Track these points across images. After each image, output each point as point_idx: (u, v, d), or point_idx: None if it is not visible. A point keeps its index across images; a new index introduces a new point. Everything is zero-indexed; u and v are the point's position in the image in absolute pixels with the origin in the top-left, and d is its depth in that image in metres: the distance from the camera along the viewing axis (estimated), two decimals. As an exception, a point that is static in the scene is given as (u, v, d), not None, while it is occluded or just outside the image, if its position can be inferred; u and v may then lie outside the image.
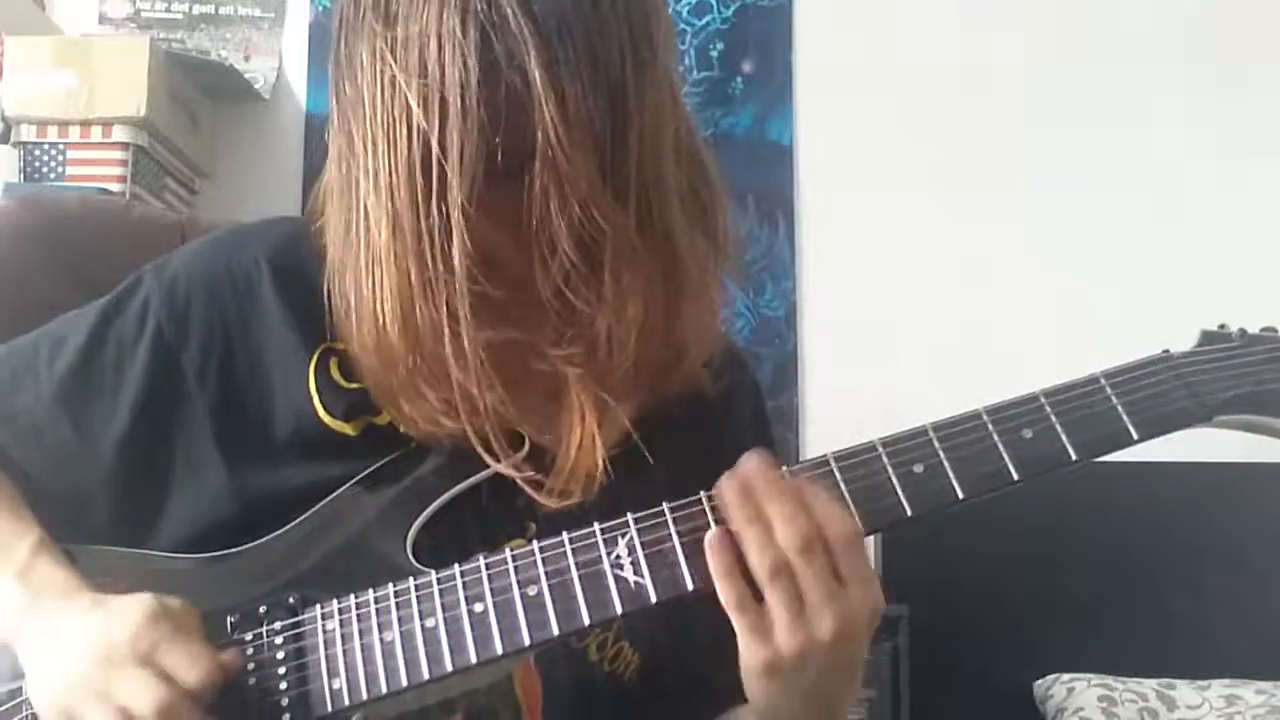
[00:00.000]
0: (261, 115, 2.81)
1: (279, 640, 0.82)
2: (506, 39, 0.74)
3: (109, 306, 0.93)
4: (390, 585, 0.81)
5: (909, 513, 0.78)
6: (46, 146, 2.36)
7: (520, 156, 0.76)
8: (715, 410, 0.96)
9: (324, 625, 0.82)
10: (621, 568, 0.78)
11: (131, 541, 0.90)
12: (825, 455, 0.80)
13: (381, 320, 0.80)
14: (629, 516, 0.79)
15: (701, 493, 0.80)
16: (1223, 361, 0.80)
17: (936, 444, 0.79)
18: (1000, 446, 0.78)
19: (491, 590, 0.79)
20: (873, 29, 2.85)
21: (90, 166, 2.35)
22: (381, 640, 0.80)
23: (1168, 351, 0.81)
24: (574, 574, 0.78)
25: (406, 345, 0.80)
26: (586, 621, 0.78)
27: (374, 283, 0.80)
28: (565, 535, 0.80)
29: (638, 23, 0.78)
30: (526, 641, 0.78)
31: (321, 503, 0.87)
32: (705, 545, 0.76)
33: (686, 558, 0.78)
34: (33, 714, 0.82)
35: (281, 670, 0.81)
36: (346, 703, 0.79)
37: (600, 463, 0.82)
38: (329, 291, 0.85)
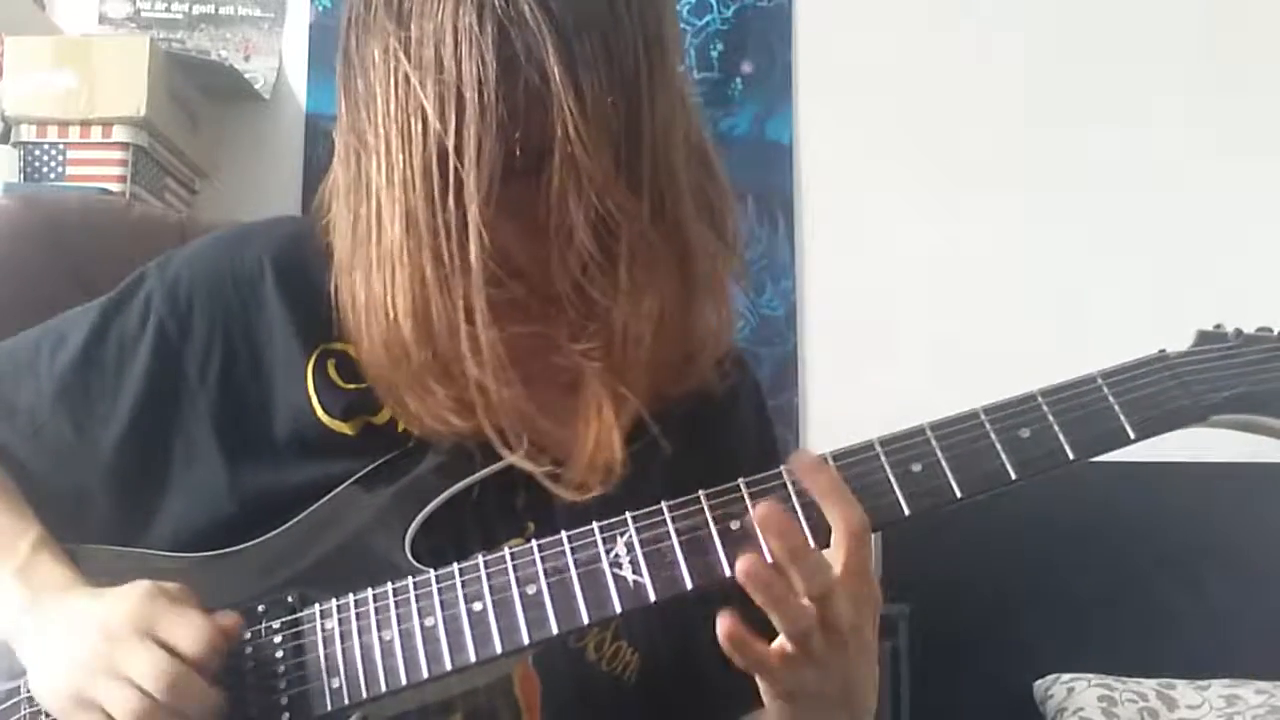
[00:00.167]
0: (261, 115, 2.81)
1: (278, 639, 0.82)
2: (525, 35, 0.75)
3: (111, 304, 0.93)
4: (389, 584, 0.81)
5: (906, 512, 0.78)
6: (46, 146, 2.36)
7: (538, 152, 0.76)
8: (718, 410, 0.96)
9: (323, 624, 0.82)
10: (620, 567, 0.78)
11: (126, 537, 0.90)
12: (824, 454, 0.80)
13: (393, 316, 0.80)
14: (627, 515, 0.80)
15: (700, 492, 0.80)
16: (1219, 361, 0.80)
17: (934, 443, 0.79)
18: (998, 446, 0.79)
19: (490, 589, 0.79)
20: (873, 29, 2.85)
21: (90, 166, 2.35)
22: (380, 639, 0.80)
23: (1164, 351, 0.81)
24: (573, 573, 0.78)
25: (419, 342, 0.80)
26: (585, 620, 0.78)
27: (385, 279, 0.80)
28: (564, 534, 0.80)
29: (651, 22, 0.79)
30: (525, 640, 0.78)
31: (320, 502, 0.87)
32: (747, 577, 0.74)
33: (685, 557, 0.78)
34: (32, 712, 0.82)
35: (280, 669, 0.81)
36: (346, 702, 0.79)
37: (618, 456, 0.83)
38: (335, 288, 0.86)
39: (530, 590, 0.78)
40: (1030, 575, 2.52)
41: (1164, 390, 0.79)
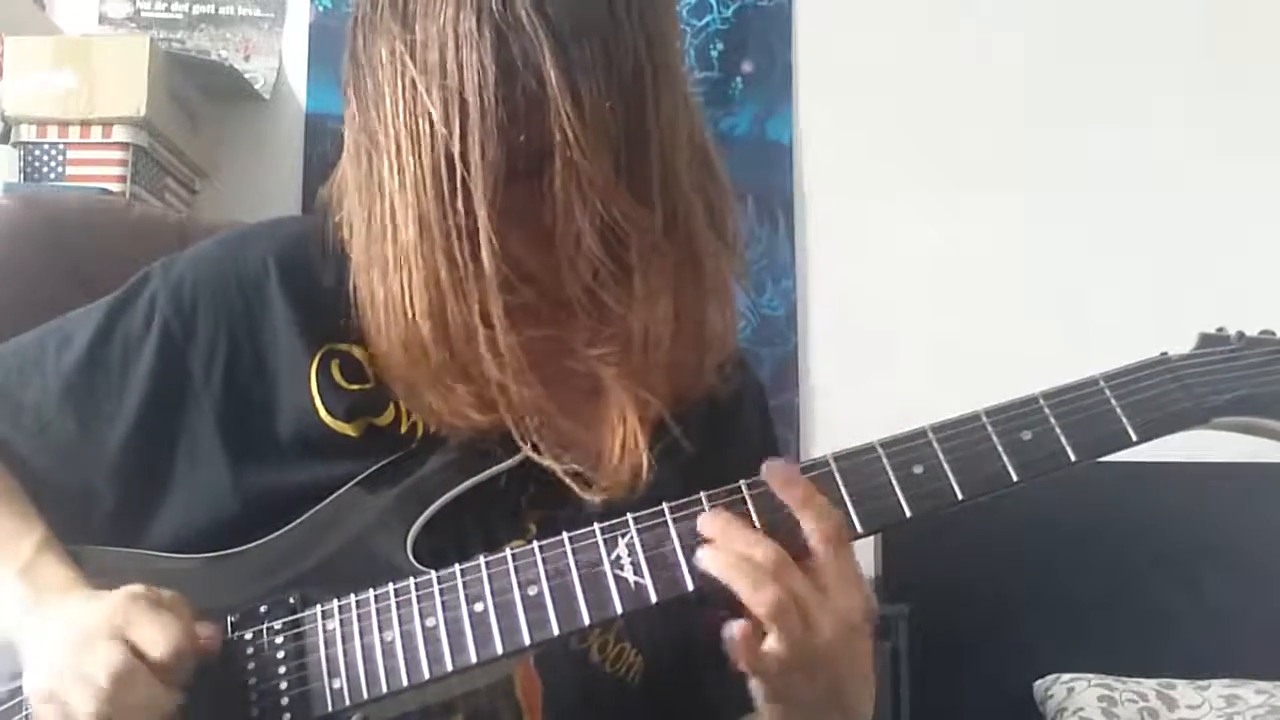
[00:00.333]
0: (261, 115, 2.81)
1: (279, 640, 0.82)
2: (521, 40, 0.75)
3: (116, 304, 0.93)
4: (390, 585, 0.81)
5: (908, 514, 0.79)
6: (46, 146, 2.36)
7: (540, 156, 0.76)
8: (724, 412, 0.96)
9: (324, 625, 0.82)
10: (622, 568, 0.78)
11: (129, 536, 0.90)
12: (825, 456, 0.80)
13: (411, 317, 0.81)
14: (629, 517, 0.80)
15: (701, 494, 0.80)
16: (1221, 364, 0.80)
17: (936, 445, 0.79)
18: (999, 448, 0.79)
19: (492, 590, 0.79)
20: (873, 29, 2.85)
21: (90, 166, 2.35)
22: (382, 640, 0.80)
23: (1166, 354, 0.81)
24: (574, 574, 0.78)
25: (438, 342, 0.81)
26: (586, 621, 0.78)
27: (403, 280, 0.81)
28: (565, 535, 0.80)
29: (652, 25, 0.79)
30: (526, 641, 0.78)
31: (322, 503, 0.87)
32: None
33: (687, 558, 0.78)
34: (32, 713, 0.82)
35: (282, 670, 0.81)
36: (347, 702, 0.79)
37: (644, 460, 0.83)
38: (354, 286, 0.86)
39: (532, 591, 0.79)
40: (1030, 575, 2.52)
41: (1166, 393, 0.79)
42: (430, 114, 0.76)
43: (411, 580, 0.81)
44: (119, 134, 2.35)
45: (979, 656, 2.46)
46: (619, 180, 0.77)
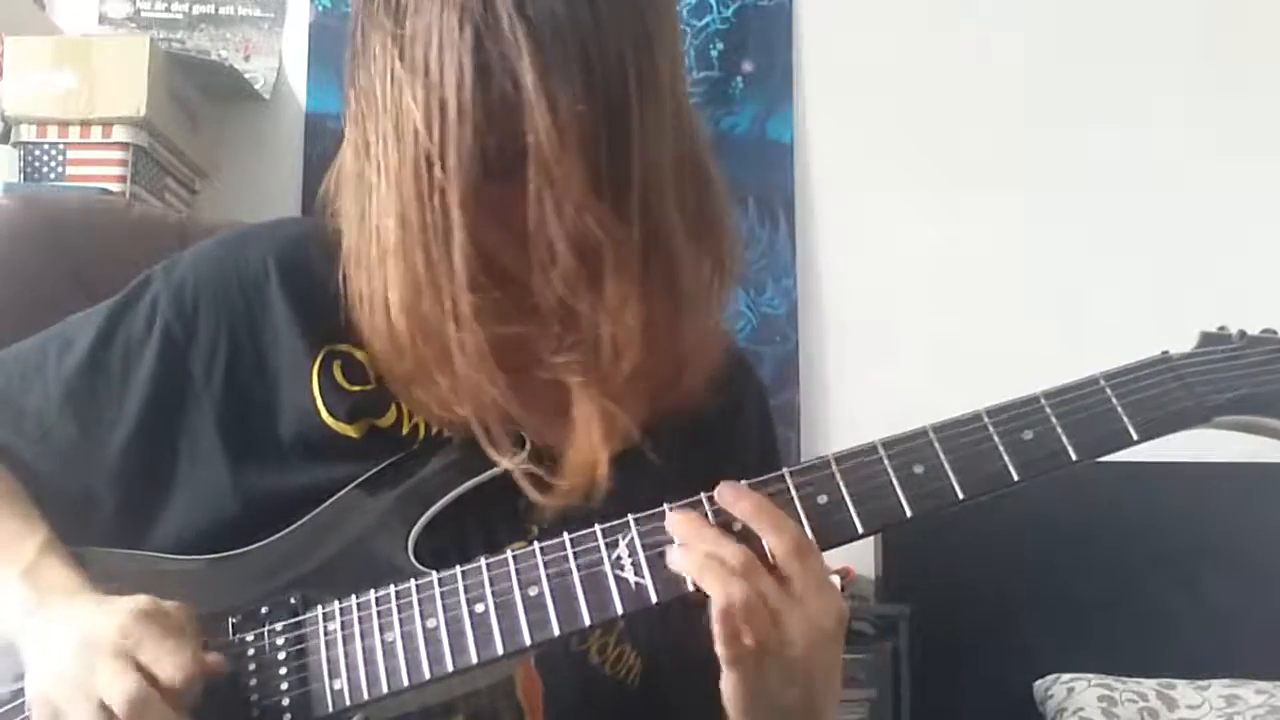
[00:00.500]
0: (261, 115, 2.81)
1: (280, 641, 0.82)
2: (500, 41, 0.74)
3: (117, 307, 0.93)
4: (392, 586, 0.81)
5: (909, 513, 0.78)
6: (46, 146, 2.36)
7: (517, 159, 0.75)
8: (723, 414, 0.96)
9: (325, 626, 0.82)
10: (622, 568, 0.78)
11: (131, 539, 0.90)
12: (826, 456, 0.80)
13: (389, 311, 0.81)
14: (630, 518, 0.80)
15: (702, 494, 0.80)
16: (1222, 363, 0.80)
17: (937, 445, 0.79)
18: (1000, 448, 0.79)
19: (493, 591, 0.79)
20: (873, 28, 2.85)
21: (90, 166, 2.35)
22: (383, 640, 0.80)
23: (1167, 353, 0.81)
24: (575, 575, 0.78)
25: (413, 338, 0.81)
26: (587, 622, 0.78)
27: (385, 272, 0.81)
28: (566, 536, 0.80)
29: (641, 32, 0.78)
30: (527, 642, 0.78)
31: (324, 504, 0.87)
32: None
33: (687, 558, 0.78)
34: (31, 714, 0.82)
35: (283, 670, 0.81)
36: (348, 703, 0.79)
37: (603, 468, 0.82)
38: (344, 276, 0.86)
39: (532, 592, 0.79)
40: (1030, 575, 2.52)
41: (1167, 392, 0.79)
42: (412, 111, 0.76)
43: (412, 581, 0.81)
44: (119, 134, 2.35)
45: (979, 656, 2.46)
46: (596, 188, 0.76)
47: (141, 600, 0.79)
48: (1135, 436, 0.79)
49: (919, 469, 0.79)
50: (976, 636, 2.48)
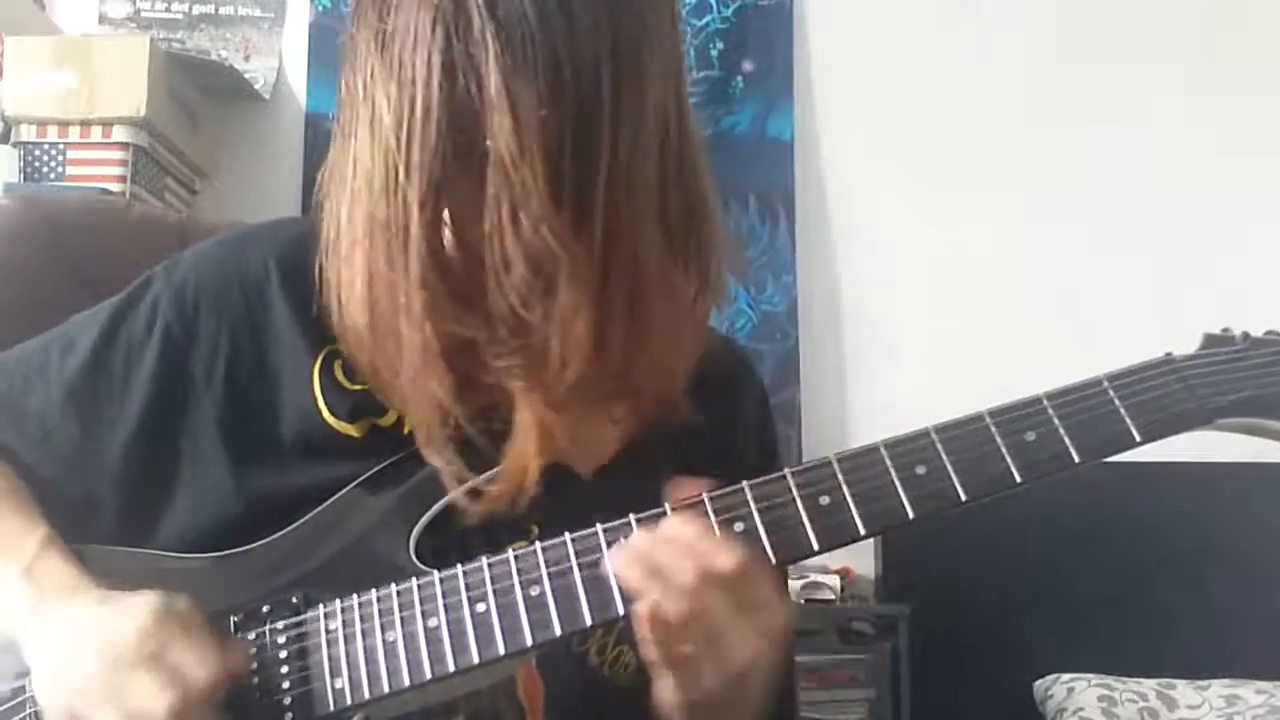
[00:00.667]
0: (261, 115, 2.81)
1: (281, 639, 0.82)
2: (468, 41, 0.73)
3: (118, 308, 0.93)
4: (393, 585, 0.81)
5: (911, 515, 0.78)
6: (46, 146, 2.36)
7: (479, 163, 0.74)
8: (722, 415, 0.96)
9: (326, 625, 0.82)
10: (624, 568, 0.78)
11: (134, 539, 0.90)
12: (828, 456, 0.80)
13: (353, 304, 0.81)
14: (631, 517, 0.79)
15: (704, 495, 0.80)
16: (1225, 365, 0.80)
17: (939, 446, 0.79)
18: (1003, 449, 0.78)
19: (494, 590, 0.79)
20: (873, 27, 2.86)
21: (90, 166, 2.35)
22: (384, 640, 0.80)
23: (1170, 354, 0.81)
24: (576, 574, 0.78)
25: (371, 330, 0.81)
26: (589, 622, 0.78)
27: (352, 266, 0.80)
28: (568, 536, 0.80)
29: (621, 40, 0.75)
30: (529, 641, 0.78)
31: (325, 504, 0.87)
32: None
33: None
34: (36, 711, 0.82)
35: (284, 669, 0.81)
36: (349, 702, 0.79)
37: (533, 476, 0.81)
38: (320, 265, 0.85)
39: (534, 592, 0.78)
40: (1030, 575, 2.53)
41: (1170, 393, 0.79)
42: (384, 107, 0.75)
43: (414, 580, 0.81)
44: (119, 134, 2.36)
45: (979, 656, 2.47)
46: (556, 198, 0.73)
47: (155, 600, 0.79)
48: (1138, 438, 0.79)
49: (921, 470, 0.79)
50: (976, 636, 2.48)
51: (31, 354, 0.95)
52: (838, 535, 0.79)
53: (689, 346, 0.87)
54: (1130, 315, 2.64)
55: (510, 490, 0.82)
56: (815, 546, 0.78)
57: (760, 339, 2.74)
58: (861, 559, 2.59)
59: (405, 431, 0.88)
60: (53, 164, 2.36)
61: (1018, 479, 0.78)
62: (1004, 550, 2.48)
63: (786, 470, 0.80)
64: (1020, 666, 2.45)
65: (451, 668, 0.78)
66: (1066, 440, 0.78)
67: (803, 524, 0.78)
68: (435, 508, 0.85)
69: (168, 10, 2.84)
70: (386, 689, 0.79)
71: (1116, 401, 0.79)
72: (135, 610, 0.79)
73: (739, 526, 0.78)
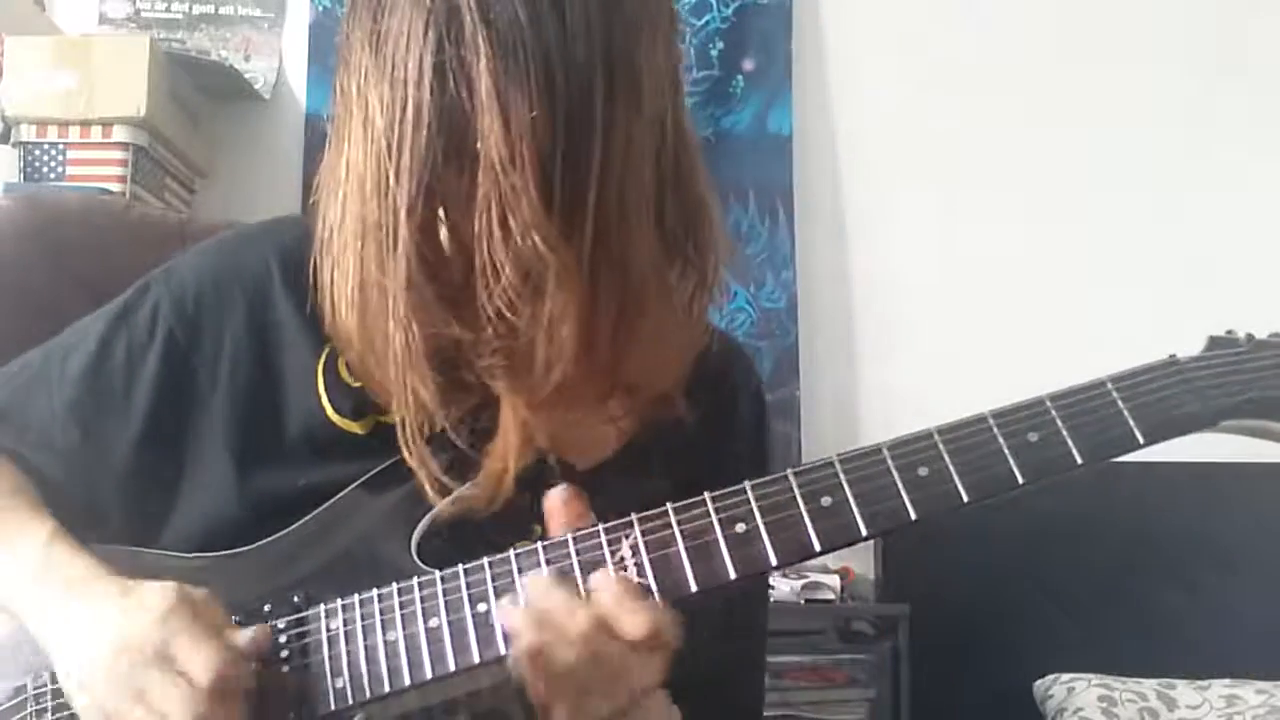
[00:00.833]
0: (261, 115, 2.81)
1: (282, 639, 0.82)
2: (460, 44, 0.72)
3: (118, 313, 0.93)
4: (394, 585, 0.81)
5: (913, 516, 0.78)
6: (46, 146, 2.36)
7: (470, 166, 0.74)
8: (719, 412, 0.96)
9: (328, 624, 0.82)
10: (625, 569, 0.78)
11: (140, 541, 0.90)
12: (830, 457, 0.80)
13: (343, 303, 0.81)
14: (633, 517, 0.79)
15: (705, 494, 0.80)
16: (1230, 367, 0.79)
17: (941, 447, 0.78)
18: (1006, 450, 0.78)
19: (495, 590, 0.79)
20: (872, 26, 2.86)
21: (90, 166, 2.35)
22: (385, 639, 0.80)
23: (1174, 356, 0.81)
24: (578, 575, 0.78)
25: (359, 329, 0.80)
26: (590, 621, 0.78)
27: (344, 264, 0.80)
28: (569, 536, 0.79)
29: (616, 44, 0.75)
30: (530, 642, 0.78)
31: (328, 503, 0.87)
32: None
33: (690, 560, 0.78)
34: (38, 710, 0.82)
35: (285, 669, 0.81)
36: (349, 701, 0.79)
37: (510, 478, 0.81)
38: (315, 264, 0.85)
39: (535, 592, 0.78)
40: (1030, 575, 2.53)
41: (1174, 395, 0.79)
42: (376, 108, 0.75)
43: (415, 580, 0.81)
44: (119, 134, 2.36)
45: (979, 656, 2.47)
46: (547, 203, 0.73)
47: (171, 592, 0.80)
48: (1141, 440, 0.78)
49: (924, 471, 0.78)
50: (976, 636, 2.48)
51: (31, 363, 0.95)
52: (840, 536, 0.79)
53: (684, 347, 0.87)
54: (1130, 314, 2.64)
55: (488, 493, 0.82)
56: (817, 547, 0.78)
57: (760, 335, 2.74)
58: (861, 559, 2.60)
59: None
60: (53, 164, 2.36)
61: (1020, 480, 0.78)
62: (1004, 550, 2.48)
63: (788, 471, 0.80)
64: (1020, 666, 2.46)
65: (452, 667, 0.78)
66: (1069, 442, 0.78)
67: (805, 525, 0.78)
68: (436, 508, 0.85)
69: (168, 10, 2.84)
70: (387, 688, 0.79)
71: (1120, 403, 0.79)
72: (150, 602, 0.79)
73: (740, 527, 0.78)
